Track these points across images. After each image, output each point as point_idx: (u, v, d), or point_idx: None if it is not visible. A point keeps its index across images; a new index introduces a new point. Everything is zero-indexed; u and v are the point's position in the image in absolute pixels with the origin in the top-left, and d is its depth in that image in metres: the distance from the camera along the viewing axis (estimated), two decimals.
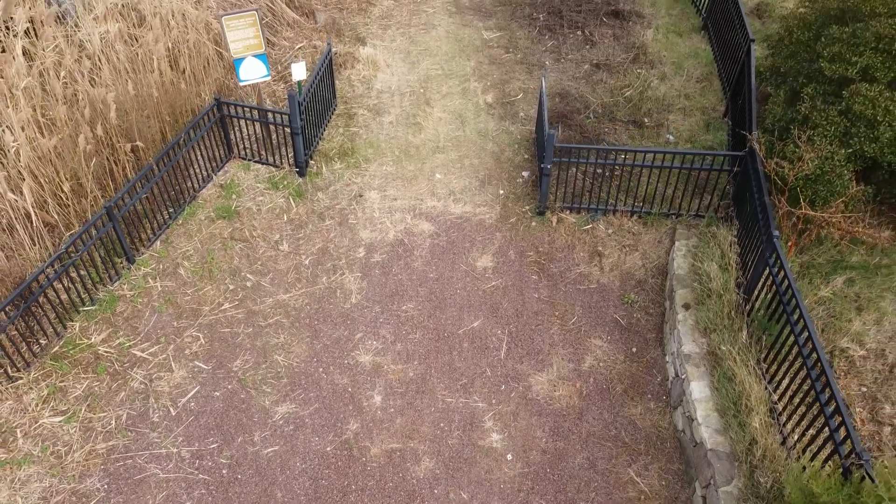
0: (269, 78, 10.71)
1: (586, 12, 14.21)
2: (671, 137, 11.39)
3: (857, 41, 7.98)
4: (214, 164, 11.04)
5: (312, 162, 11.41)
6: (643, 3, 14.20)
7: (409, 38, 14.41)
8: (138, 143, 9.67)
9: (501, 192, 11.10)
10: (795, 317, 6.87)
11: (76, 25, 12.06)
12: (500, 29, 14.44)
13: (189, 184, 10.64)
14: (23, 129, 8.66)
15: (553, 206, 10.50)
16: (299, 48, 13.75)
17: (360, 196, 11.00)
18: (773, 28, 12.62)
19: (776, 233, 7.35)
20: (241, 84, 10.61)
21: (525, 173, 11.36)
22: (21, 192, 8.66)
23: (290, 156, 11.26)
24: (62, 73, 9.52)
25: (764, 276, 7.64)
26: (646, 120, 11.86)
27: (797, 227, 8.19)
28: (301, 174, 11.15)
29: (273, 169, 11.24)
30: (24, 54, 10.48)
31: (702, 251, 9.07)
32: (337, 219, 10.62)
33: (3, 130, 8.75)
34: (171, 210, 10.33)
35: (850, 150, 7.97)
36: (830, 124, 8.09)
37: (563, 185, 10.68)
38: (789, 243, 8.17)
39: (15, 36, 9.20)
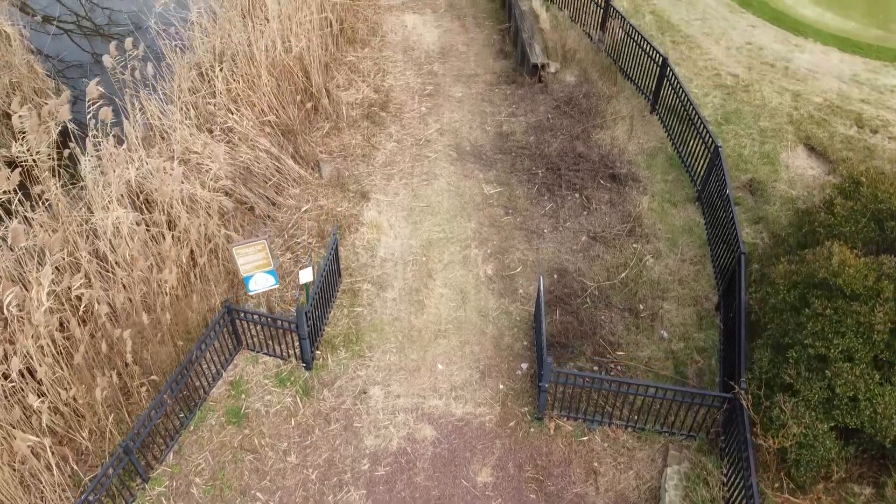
0: (277, 286, 11.11)
1: (584, 172, 14.59)
2: (665, 334, 11.80)
3: (840, 320, 8.40)
4: (224, 359, 11.44)
5: (318, 352, 11.81)
6: (639, 165, 14.58)
7: (412, 190, 14.79)
8: (154, 377, 10.08)
9: (501, 386, 11.50)
10: None
11: (89, 209, 12.49)
12: (500, 183, 14.81)
13: (199, 382, 11.04)
14: (48, 381, 9.06)
15: (551, 413, 10.91)
16: (305, 210, 14.13)
17: (365, 393, 11.41)
18: (767, 210, 13.05)
19: None
20: (250, 294, 11.01)
21: (524, 365, 11.78)
22: (42, 444, 9.06)
23: (296, 347, 11.67)
24: (83, 305, 9.91)
25: None
26: (641, 307, 12.28)
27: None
28: (308, 368, 11.56)
29: (280, 361, 11.65)
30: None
31: (692, 488, 9.49)
32: (343, 422, 11.02)
33: (25, 378, 9.15)
34: (182, 416, 10.73)
35: (833, 424, 8.39)
36: (814, 393, 8.51)
37: (560, 385, 11.07)
38: None
39: (41, 264, 9.61)
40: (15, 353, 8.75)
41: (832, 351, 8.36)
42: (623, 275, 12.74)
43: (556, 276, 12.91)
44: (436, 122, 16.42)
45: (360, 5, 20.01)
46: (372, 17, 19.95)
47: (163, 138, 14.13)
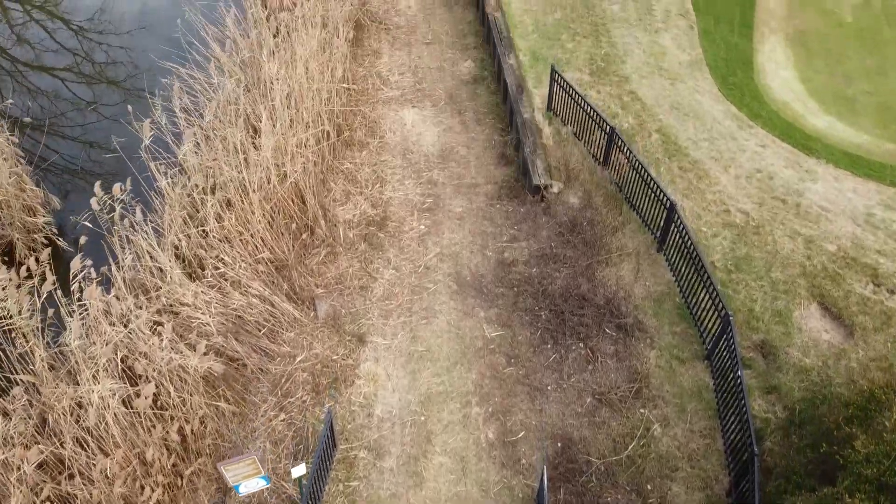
0: (268, 485, 10.63)
1: (589, 317, 14.07)
2: None
3: None
4: None
5: None
6: (646, 311, 14.06)
7: (411, 330, 14.29)
8: None
9: None
10: None
11: (76, 378, 12.00)
12: (501, 325, 14.30)
13: None
14: None
15: None
16: (299, 361, 13.63)
17: None
18: (780, 379, 12.57)
19: None
20: (240, 496, 10.53)
21: None
22: None
23: None
24: None
25: None
26: (649, 487, 11.82)
27: None
28: None
29: None
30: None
31: None
32: None
33: None
34: None
35: None
36: None
37: None
38: None
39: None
40: None
41: None
42: (630, 447, 12.26)
43: (559, 445, 12.44)
44: (435, 245, 15.89)
45: (359, 101, 19.47)
46: (370, 113, 19.39)
47: (152, 280, 13.57)
